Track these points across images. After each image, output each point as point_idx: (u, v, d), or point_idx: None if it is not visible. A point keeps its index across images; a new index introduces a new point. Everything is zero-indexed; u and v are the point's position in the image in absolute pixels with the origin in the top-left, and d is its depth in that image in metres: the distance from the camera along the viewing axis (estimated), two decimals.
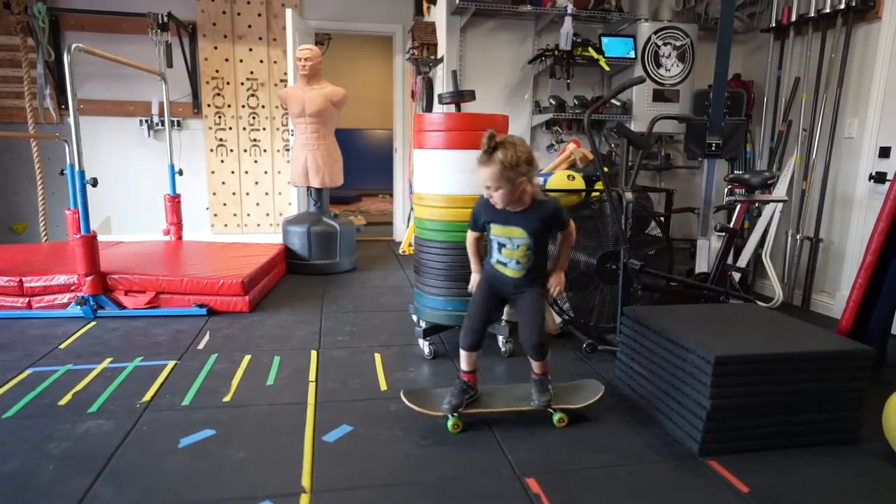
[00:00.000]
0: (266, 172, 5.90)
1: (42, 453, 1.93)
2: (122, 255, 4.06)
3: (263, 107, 5.78)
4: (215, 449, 1.98)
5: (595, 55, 4.04)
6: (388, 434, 2.09)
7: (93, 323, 3.31)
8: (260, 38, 5.67)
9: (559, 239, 2.21)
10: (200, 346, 2.96)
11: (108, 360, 2.76)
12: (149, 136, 5.63)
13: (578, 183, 3.64)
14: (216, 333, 3.16)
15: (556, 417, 2.16)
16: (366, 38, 7.91)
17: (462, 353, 2.20)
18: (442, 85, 4.34)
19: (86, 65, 5.38)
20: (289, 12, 4.91)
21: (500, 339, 2.93)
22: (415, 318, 3.27)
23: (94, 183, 3.35)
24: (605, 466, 1.90)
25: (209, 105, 5.68)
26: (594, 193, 3.64)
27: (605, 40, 4.16)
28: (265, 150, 5.87)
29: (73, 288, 3.43)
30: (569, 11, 3.98)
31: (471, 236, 2.25)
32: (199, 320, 3.38)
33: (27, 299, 3.42)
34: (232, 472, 1.84)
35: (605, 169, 3.74)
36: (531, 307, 2.12)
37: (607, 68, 4.17)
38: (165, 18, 4.99)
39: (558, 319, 3.17)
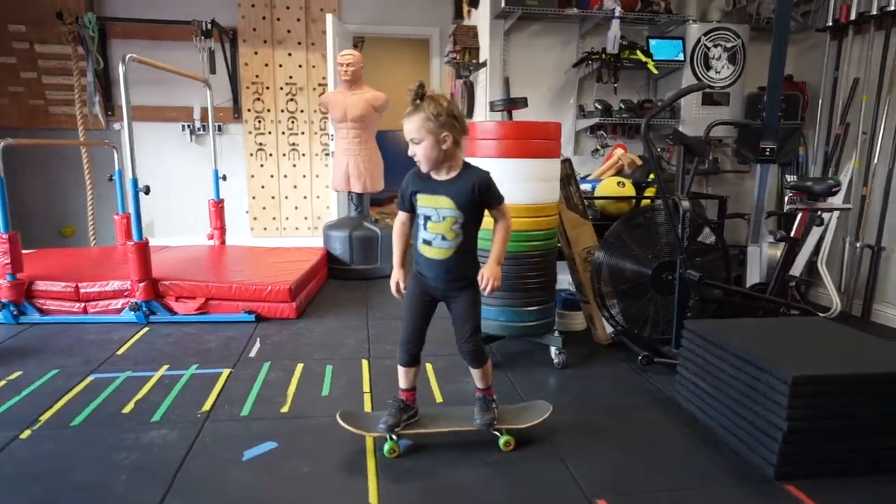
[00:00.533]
0: (304, 176, 5.94)
1: (112, 463, 1.96)
2: (169, 260, 4.11)
3: (302, 111, 5.82)
4: (279, 462, 1.98)
5: (643, 58, 3.97)
6: (450, 451, 2.07)
7: (146, 328, 3.36)
8: (299, 43, 5.70)
9: (495, 225, 1.98)
10: (252, 354, 2.98)
11: (165, 367, 2.79)
12: (190, 140, 5.72)
13: (629, 189, 3.58)
14: (266, 341, 3.18)
15: (501, 441, 2.03)
16: (399, 40, 7.90)
17: (399, 368, 2.07)
18: (486, 90, 4.30)
19: (130, 72, 5.49)
20: (329, 17, 4.92)
21: (553, 349, 2.89)
22: None
23: (147, 191, 3.41)
24: (676, 489, 1.85)
25: (249, 110, 5.74)
26: (645, 201, 3.58)
27: (652, 42, 4.08)
28: (303, 154, 5.90)
29: (125, 293, 3.49)
30: (616, 14, 3.91)
31: (398, 219, 2.05)
32: (248, 327, 3.41)
33: (83, 304, 3.49)
34: (297, 488, 1.84)
35: (651, 176, 3.68)
36: (463, 306, 1.97)
37: (656, 71, 4.09)
38: (209, 25, 5.05)
39: (610, 329, 3.12)
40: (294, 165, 5.90)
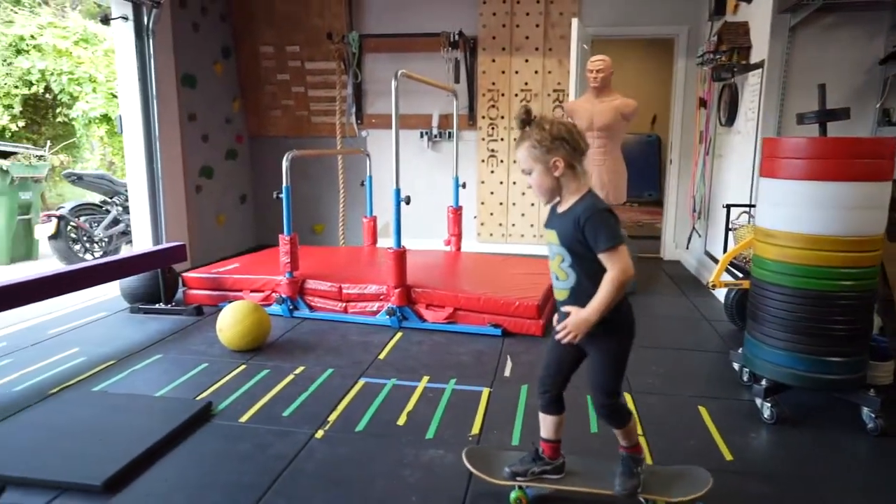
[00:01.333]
0: None
1: (401, 480, 1.99)
2: (415, 265, 4.28)
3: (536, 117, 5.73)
4: (561, 500, 1.85)
5: None
6: None
7: (399, 333, 3.51)
8: (536, 49, 5.63)
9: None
10: (507, 374, 2.93)
11: (426, 378, 2.85)
12: (427, 146, 5.96)
13: None
14: (517, 359, 3.12)
15: None
16: (628, 41, 7.46)
17: (540, 414, 1.85)
18: (759, 95, 3.78)
19: (376, 83, 5.89)
20: (574, 22, 4.74)
21: (865, 410, 2.39)
22: (737, 366, 2.87)
23: (408, 201, 3.54)
24: None
25: (483, 116, 5.81)
26: None
27: None
28: None
29: (381, 297, 3.68)
30: None
31: None
32: (496, 341, 3.38)
33: (344, 304, 3.76)
34: None
35: None
36: (592, 363, 1.72)
37: None
38: (457, 36, 5.19)
39: None
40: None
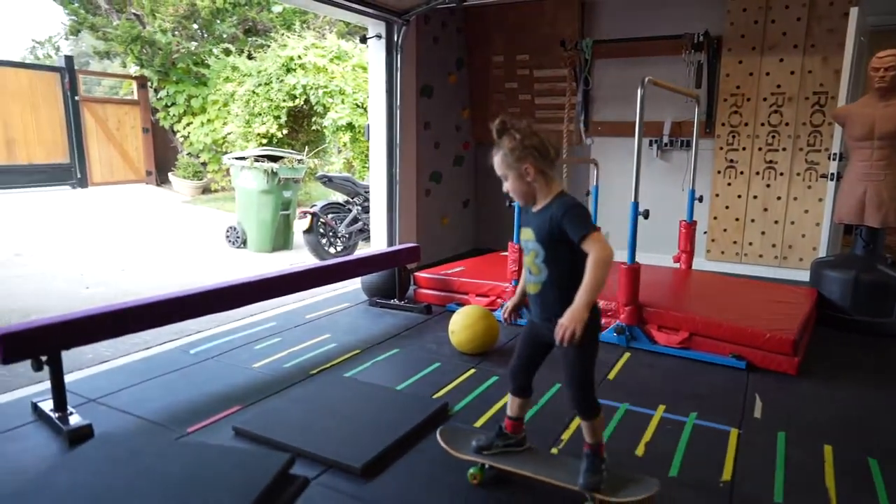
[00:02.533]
0: (779, 198, 5.20)
1: None
2: (642, 282, 4.04)
3: (787, 124, 5.08)
4: None
5: None
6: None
7: (627, 354, 3.33)
8: (795, 47, 4.97)
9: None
10: (757, 415, 2.60)
11: (662, 407, 2.65)
12: (656, 155, 5.63)
13: None
14: (767, 398, 2.75)
15: None
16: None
17: (509, 395, 2.02)
18: None
19: (604, 89, 5.71)
20: (853, 11, 4.09)
21: None
22: None
23: (646, 215, 3.35)
24: None
25: (723, 124, 5.31)
26: None
27: None
28: (781, 174, 5.17)
29: (608, 313, 3.53)
30: None
31: None
32: (738, 375, 3.03)
33: None
34: None
35: None
36: (567, 353, 1.77)
37: None
38: (701, 37, 4.80)
39: None
40: (768, 185, 5.23)
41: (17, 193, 9.62)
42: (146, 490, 1.62)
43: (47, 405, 2.41)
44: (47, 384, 2.40)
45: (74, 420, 2.33)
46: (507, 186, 1.83)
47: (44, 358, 2.31)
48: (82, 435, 2.24)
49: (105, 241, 7.00)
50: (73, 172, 10.70)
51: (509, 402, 2.04)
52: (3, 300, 4.54)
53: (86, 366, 3.10)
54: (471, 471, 2.01)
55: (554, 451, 2.25)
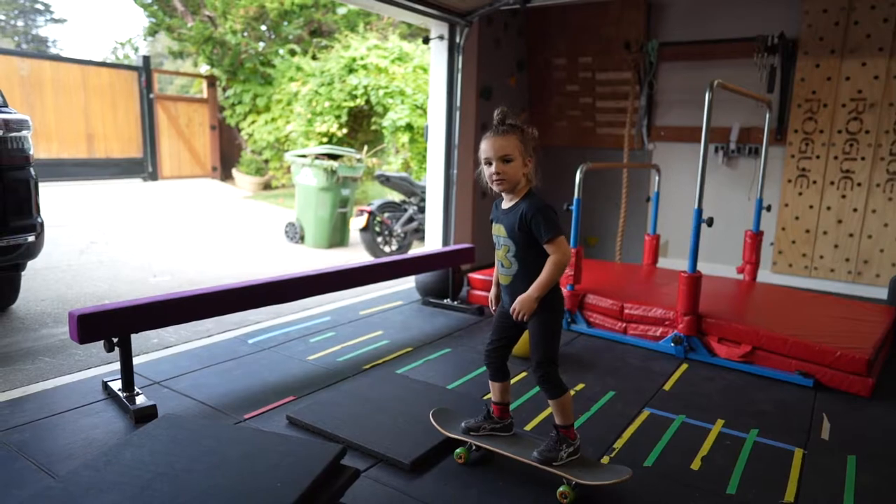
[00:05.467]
0: (855, 210, 4.93)
1: None
2: (703, 292, 3.91)
3: (867, 132, 4.81)
4: None
5: None
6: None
7: (685, 365, 3.22)
8: (880, 49, 4.70)
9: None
10: (825, 436, 2.46)
11: (721, 422, 2.55)
12: (721, 162, 5.43)
13: None
14: (836, 420, 2.61)
15: (559, 490, 1.90)
16: None
17: (489, 381, 2.14)
18: None
19: (668, 93, 5.55)
20: None
21: None
22: None
23: (710, 223, 3.24)
24: None
25: (796, 131, 5.07)
26: None
27: None
28: (858, 184, 4.89)
29: (666, 322, 3.43)
30: None
31: None
32: (804, 393, 2.88)
33: (624, 324, 3.60)
34: None
35: None
36: (532, 333, 1.96)
37: None
38: (775, 40, 4.61)
39: None
40: (843, 196, 4.96)
41: (94, 185, 10.20)
42: (205, 471, 1.68)
43: (116, 385, 2.54)
44: (117, 365, 2.53)
45: (140, 400, 2.45)
46: (507, 168, 1.89)
47: (115, 339, 2.43)
48: (147, 415, 2.35)
49: (171, 232, 7.32)
50: (145, 166, 11.26)
51: (491, 388, 2.15)
52: (79, 284, 4.81)
53: (152, 350, 3.25)
54: (457, 451, 2.13)
55: (605, 459, 2.20)
